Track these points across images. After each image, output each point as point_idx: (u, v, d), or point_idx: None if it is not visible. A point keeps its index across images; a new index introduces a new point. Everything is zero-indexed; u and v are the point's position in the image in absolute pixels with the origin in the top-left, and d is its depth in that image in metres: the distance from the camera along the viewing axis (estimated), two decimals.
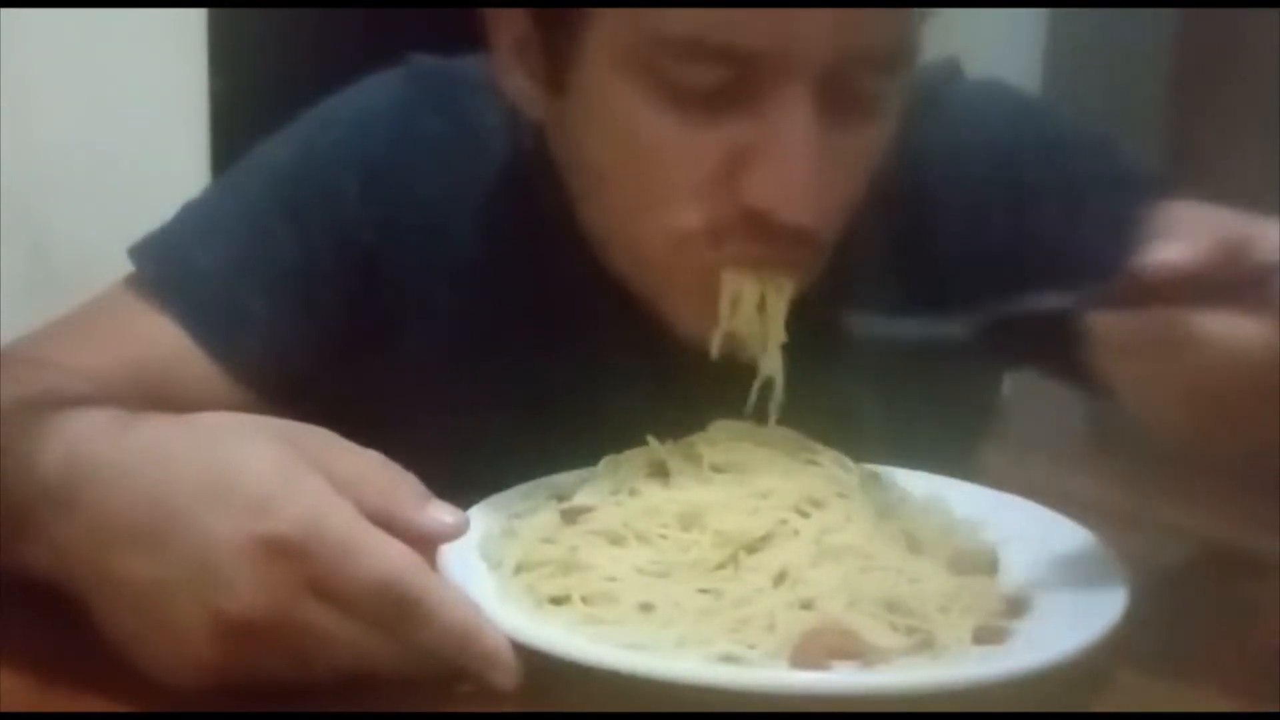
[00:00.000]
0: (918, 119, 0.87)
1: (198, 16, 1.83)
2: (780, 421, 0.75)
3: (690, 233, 0.74)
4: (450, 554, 0.63)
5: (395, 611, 0.56)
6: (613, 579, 0.64)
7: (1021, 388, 1.25)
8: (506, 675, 0.57)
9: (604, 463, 0.73)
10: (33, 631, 0.63)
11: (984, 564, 0.68)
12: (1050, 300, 0.62)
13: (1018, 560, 0.68)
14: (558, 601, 0.63)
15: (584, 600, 0.63)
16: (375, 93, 0.90)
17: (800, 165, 0.70)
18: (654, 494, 0.69)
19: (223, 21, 1.84)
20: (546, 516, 0.70)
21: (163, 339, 0.83)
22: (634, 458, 0.73)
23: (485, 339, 0.88)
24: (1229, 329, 0.57)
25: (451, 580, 0.61)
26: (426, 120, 0.88)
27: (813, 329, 0.77)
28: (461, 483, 0.64)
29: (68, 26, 1.72)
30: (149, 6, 1.77)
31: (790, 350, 0.77)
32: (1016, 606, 0.64)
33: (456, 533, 0.61)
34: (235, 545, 0.55)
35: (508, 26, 0.78)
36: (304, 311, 0.86)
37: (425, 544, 0.60)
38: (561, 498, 0.72)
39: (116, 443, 0.59)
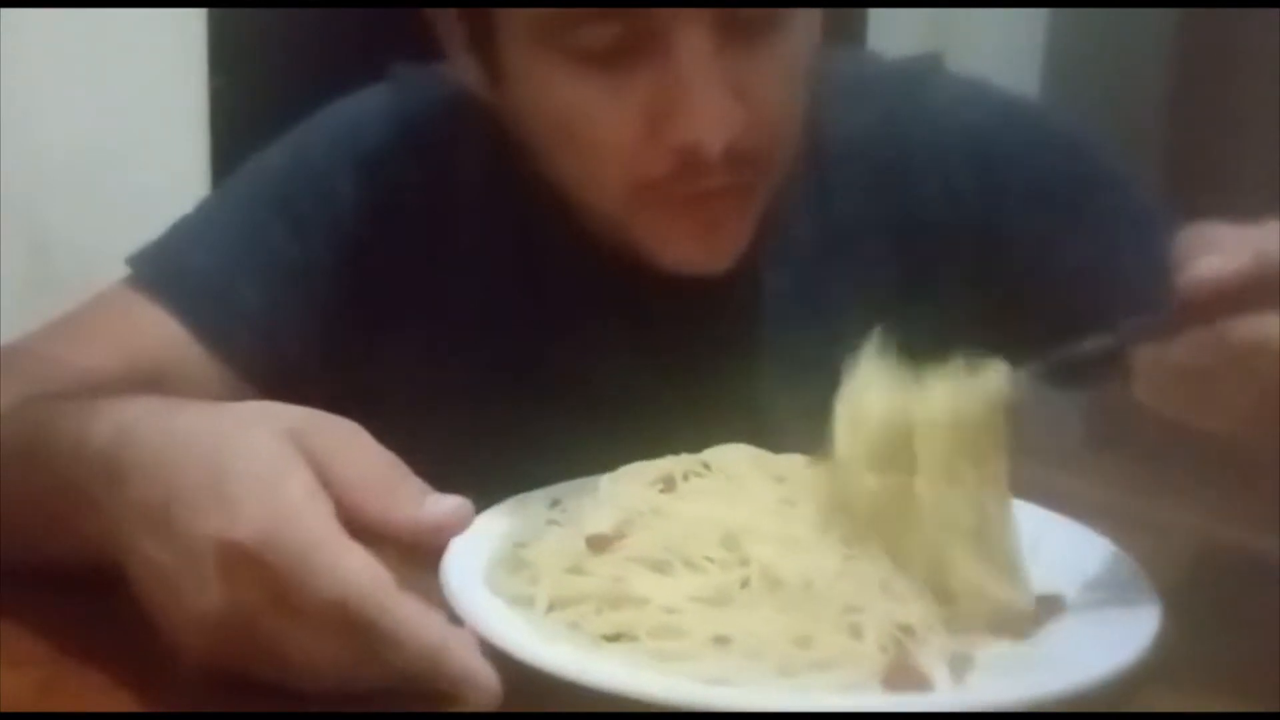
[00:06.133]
0: (898, 109, 0.88)
1: (198, 16, 1.83)
2: (770, 397, 0.74)
3: (644, 183, 0.77)
4: (462, 594, 0.60)
5: (356, 632, 0.54)
6: (672, 610, 0.59)
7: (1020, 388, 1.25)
8: (485, 694, 0.53)
9: (605, 479, 0.69)
10: (34, 632, 0.63)
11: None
12: (1096, 341, 0.62)
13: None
14: (611, 639, 0.59)
15: (649, 635, 0.58)
16: (364, 99, 0.93)
17: (706, 93, 0.73)
18: (683, 513, 0.64)
19: (223, 21, 1.84)
20: (562, 544, 0.64)
21: (157, 332, 0.84)
22: (636, 474, 0.68)
23: (480, 323, 0.89)
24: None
25: (459, 603, 0.59)
26: (414, 117, 0.90)
27: (802, 312, 0.77)
28: (460, 470, 0.63)
29: (68, 27, 1.72)
30: (149, 6, 1.77)
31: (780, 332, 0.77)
32: (1042, 612, 0.64)
33: (461, 520, 0.59)
34: (205, 545, 0.55)
35: (445, 23, 0.82)
36: (298, 302, 0.87)
37: (432, 538, 0.58)
38: (552, 517, 0.68)
39: (158, 426, 0.59)
